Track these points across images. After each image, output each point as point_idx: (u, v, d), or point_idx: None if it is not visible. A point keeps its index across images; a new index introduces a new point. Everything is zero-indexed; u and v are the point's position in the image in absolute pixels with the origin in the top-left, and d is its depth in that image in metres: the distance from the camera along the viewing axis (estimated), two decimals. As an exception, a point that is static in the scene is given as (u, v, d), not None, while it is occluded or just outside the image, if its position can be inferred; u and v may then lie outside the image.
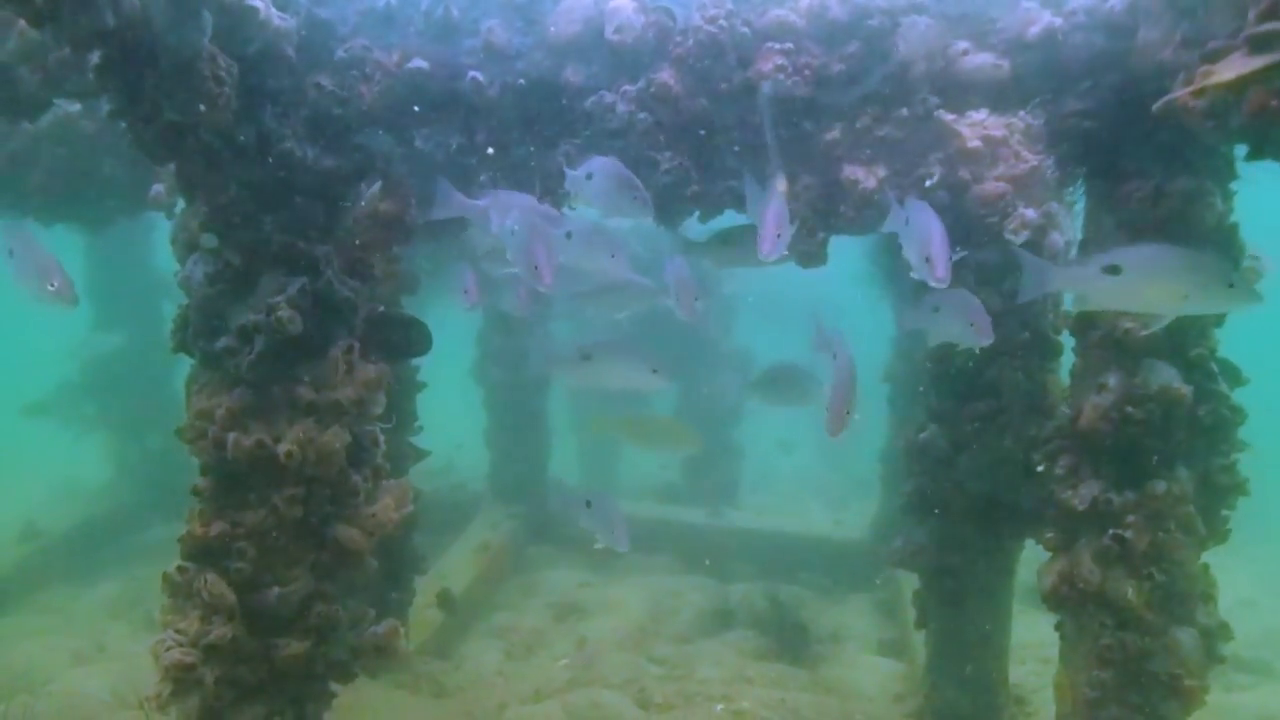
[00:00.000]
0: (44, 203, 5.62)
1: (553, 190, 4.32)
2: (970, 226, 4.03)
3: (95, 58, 3.26)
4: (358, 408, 3.97)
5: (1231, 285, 3.31)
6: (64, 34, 3.11)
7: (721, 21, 3.99)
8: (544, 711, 5.54)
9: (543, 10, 4.17)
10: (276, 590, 3.76)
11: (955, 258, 3.58)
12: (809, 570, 8.40)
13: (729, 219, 4.39)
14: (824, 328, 4.24)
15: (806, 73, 3.98)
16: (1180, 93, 3.19)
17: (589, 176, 3.89)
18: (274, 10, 3.66)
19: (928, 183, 4.00)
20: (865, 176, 4.08)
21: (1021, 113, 4.01)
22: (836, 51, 4.02)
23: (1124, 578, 3.80)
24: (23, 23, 3.78)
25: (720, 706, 5.54)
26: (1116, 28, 3.83)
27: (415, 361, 5.10)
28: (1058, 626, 4.18)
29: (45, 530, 8.70)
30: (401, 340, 4.38)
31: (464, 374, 9.12)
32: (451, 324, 6.11)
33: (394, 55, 4.14)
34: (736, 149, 4.18)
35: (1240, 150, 3.56)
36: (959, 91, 4.05)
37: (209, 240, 3.88)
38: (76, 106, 5.33)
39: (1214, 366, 4.00)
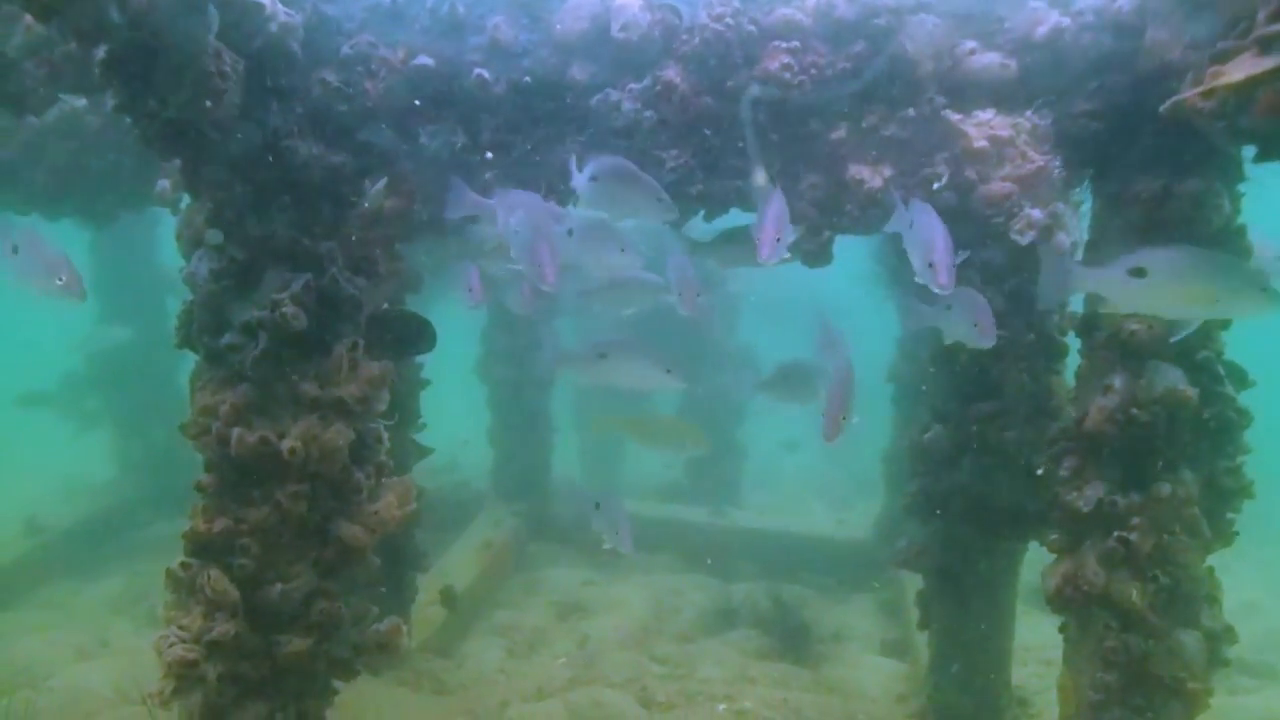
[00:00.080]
0: (49, 198, 5.62)
1: (557, 188, 4.31)
2: (976, 227, 4.02)
3: (101, 53, 3.27)
4: (361, 405, 3.97)
5: (1264, 289, 3.21)
6: (70, 29, 3.11)
7: (728, 19, 3.98)
8: (546, 710, 5.54)
9: (549, 7, 4.16)
10: (279, 587, 3.76)
11: (959, 259, 3.58)
12: (812, 570, 8.40)
13: (734, 218, 4.38)
14: (829, 329, 4.23)
15: (813, 71, 3.97)
16: (1189, 93, 3.18)
17: (595, 179, 3.87)
18: (279, 6, 3.66)
19: (935, 185, 3.99)
20: (871, 176, 4.07)
21: (1028, 113, 4.00)
22: (843, 50, 4.01)
23: (1128, 580, 3.79)
24: (29, 17, 3.79)
25: (723, 706, 5.54)
26: (1124, 28, 3.81)
27: (419, 359, 5.10)
28: (1061, 628, 4.17)
29: (48, 525, 8.71)
30: (405, 337, 4.37)
31: (468, 372, 9.12)
32: (454, 322, 6.10)
33: (399, 52, 4.13)
34: (741, 145, 4.17)
35: (1248, 151, 3.55)
36: (966, 91, 4.04)
37: (214, 236, 3.88)
38: (82, 102, 5.33)
39: (1220, 369, 3.98)
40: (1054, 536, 4.11)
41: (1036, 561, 4.49)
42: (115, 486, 9.74)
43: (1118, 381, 3.89)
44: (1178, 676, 3.74)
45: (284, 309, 3.73)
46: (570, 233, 4.08)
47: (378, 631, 4.08)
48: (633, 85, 4.11)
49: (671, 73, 4.05)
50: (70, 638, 6.72)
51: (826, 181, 4.16)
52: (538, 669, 6.31)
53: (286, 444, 3.71)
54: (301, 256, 3.91)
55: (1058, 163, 3.97)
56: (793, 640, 6.88)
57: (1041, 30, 3.94)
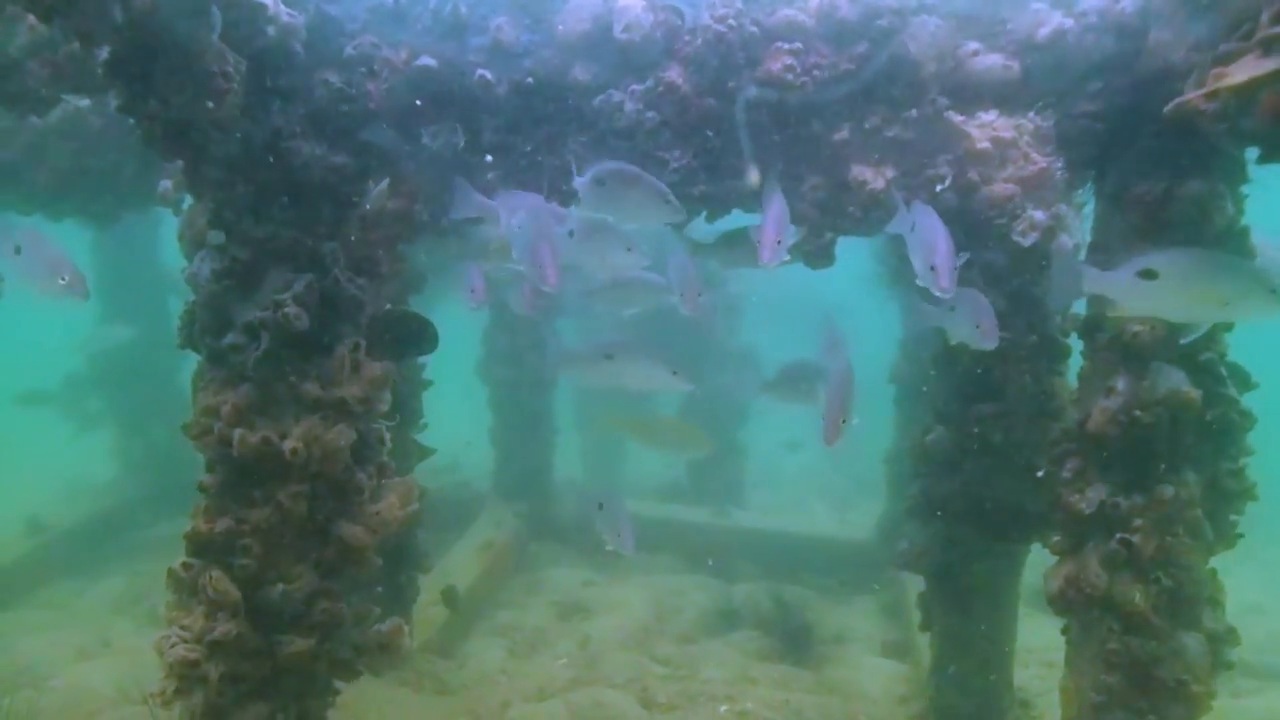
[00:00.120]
0: (52, 198, 5.63)
1: (559, 189, 4.31)
2: (978, 228, 4.01)
3: (104, 53, 3.27)
4: (363, 405, 3.97)
5: (1274, 291, 3.20)
6: (73, 29, 3.11)
7: (730, 21, 3.97)
8: (547, 710, 5.54)
9: (551, 8, 4.16)
10: (281, 587, 3.75)
11: (960, 261, 3.57)
12: (813, 571, 8.39)
13: (737, 219, 4.38)
14: (834, 330, 4.24)
15: (816, 73, 3.97)
16: (1192, 95, 3.18)
17: (602, 183, 3.86)
18: (282, 7, 3.66)
19: (939, 187, 3.99)
20: (873, 177, 4.06)
21: (1031, 114, 4.00)
22: (846, 51, 4.01)
23: (1131, 582, 3.78)
24: (32, 17, 3.79)
25: (724, 707, 5.54)
26: (1127, 29, 3.81)
27: (421, 359, 5.10)
28: (1064, 630, 4.16)
29: (50, 525, 8.71)
30: (407, 338, 4.37)
31: (470, 372, 9.12)
32: (456, 322, 6.10)
33: (402, 53, 4.13)
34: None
35: (1251, 153, 3.55)
36: (968, 92, 4.03)
37: (216, 236, 3.88)
38: (85, 102, 5.34)
39: (1223, 370, 3.98)
40: (1056, 538, 4.10)
41: (1038, 563, 4.48)
42: (117, 486, 9.75)
43: (1120, 383, 3.88)
44: (1180, 679, 3.74)
45: (286, 309, 3.73)
46: (571, 234, 4.08)
47: (379, 632, 4.08)
48: (635, 86, 4.11)
49: (674, 74, 4.04)
50: (72, 637, 6.72)
51: (829, 183, 4.16)
52: (539, 669, 6.31)
53: (288, 444, 3.71)
54: (303, 257, 3.91)
55: (1060, 164, 3.97)
56: (794, 641, 6.88)
57: (1044, 32, 3.93)
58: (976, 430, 4.51)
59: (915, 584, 5.33)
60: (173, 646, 3.63)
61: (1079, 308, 4.20)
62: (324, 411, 3.85)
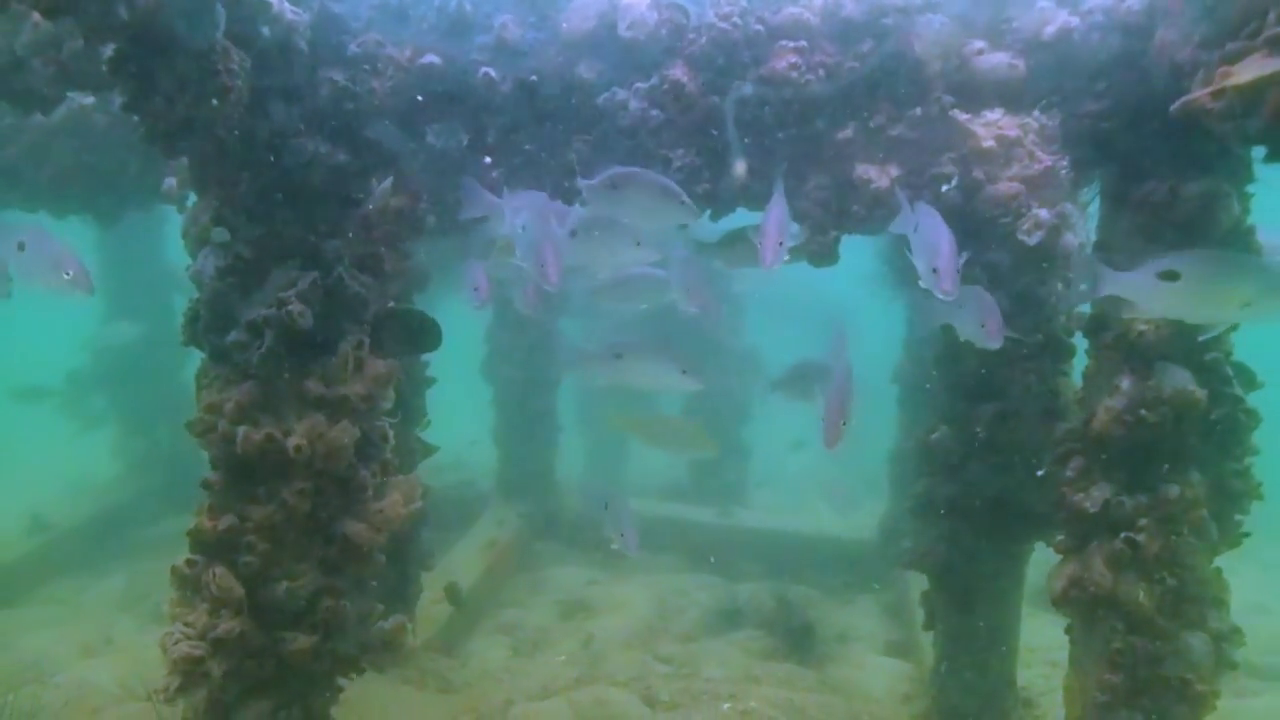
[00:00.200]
0: (56, 196, 5.63)
1: (563, 186, 4.31)
2: (983, 227, 4.00)
3: (109, 50, 3.27)
4: (367, 403, 3.97)
5: None
6: (78, 27, 3.11)
7: (735, 19, 3.97)
8: (550, 709, 5.54)
9: (555, 6, 4.16)
10: (284, 584, 3.75)
11: (961, 259, 3.56)
12: (817, 570, 8.38)
13: (740, 218, 4.38)
14: (840, 331, 4.24)
15: (820, 71, 3.96)
16: (1198, 94, 3.16)
17: (616, 186, 3.86)
18: (286, 4, 3.66)
19: (945, 187, 3.98)
20: (878, 176, 4.06)
21: (1036, 113, 3.99)
22: (851, 50, 4.00)
23: (1135, 581, 3.77)
24: (37, 15, 3.79)
25: (727, 706, 5.53)
26: (1134, 28, 3.80)
27: (425, 357, 5.09)
28: (1067, 630, 4.16)
29: (54, 523, 8.72)
30: (411, 336, 4.37)
31: (474, 370, 9.12)
32: (460, 320, 6.10)
33: (406, 50, 4.13)
34: (746, 142, 4.16)
35: (1258, 152, 3.54)
36: (973, 91, 4.03)
37: (220, 234, 3.88)
38: (89, 99, 5.34)
39: (1228, 370, 3.97)
40: (1060, 537, 4.10)
41: (1042, 562, 4.47)
42: (120, 484, 9.75)
43: (1125, 382, 3.87)
44: (1184, 678, 3.73)
45: (290, 307, 3.73)
46: (574, 234, 4.08)
47: (382, 629, 4.08)
48: (639, 84, 4.11)
49: (679, 72, 4.04)
50: (75, 634, 6.73)
51: (833, 181, 4.16)
52: (542, 668, 6.31)
53: (292, 442, 3.71)
54: (307, 254, 3.92)
55: (1065, 163, 3.96)
56: (797, 640, 6.87)
57: (1050, 30, 3.93)
58: (980, 430, 4.50)
59: (918, 583, 5.32)
60: (176, 643, 3.63)
61: (1083, 306, 4.19)
62: (327, 409, 3.85)
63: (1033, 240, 3.91)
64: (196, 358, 4.06)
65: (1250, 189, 3.87)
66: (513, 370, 8.87)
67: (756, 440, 10.84)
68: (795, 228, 4.02)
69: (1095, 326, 4.09)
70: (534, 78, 4.15)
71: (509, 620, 7.18)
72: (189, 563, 3.77)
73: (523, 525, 8.64)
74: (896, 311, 7.81)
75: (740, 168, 4.08)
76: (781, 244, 3.76)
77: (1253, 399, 4.04)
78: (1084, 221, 4.16)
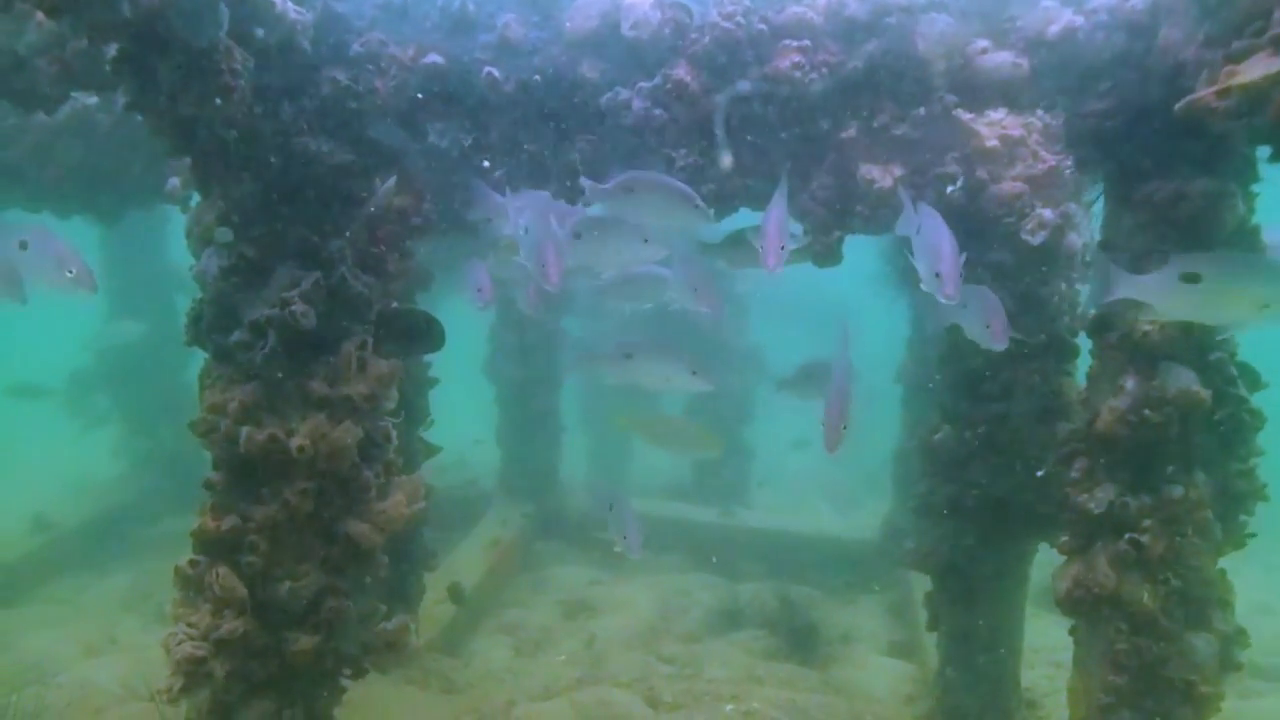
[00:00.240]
0: (59, 195, 5.64)
1: (566, 186, 4.31)
2: (986, 226, 3.99)
3: (112, 50, 3.27)
4: (370, 403, 3.96)
5: None
6: (81, 26, 3.11)
7: (739, 18, 3.97)
8: (553, 709, 5.53)
9: (559, 5, 4.16)
10: (287, 585, 3.75)
11: (961, 260, 3.55)
12: (819, 570, 8.38)
13: (744, 217, 4.37)
14: (845, 332, 4.23)
15: (824, 70, 3.96)
16: (1203, 93, 3.16)
17: (631, 190, 3.85)
18: (290, 4, 3.66)
19: (950, 188, 3.97)
20: (881, 176, 4.05)
21: (1040, 112, 3.98)
22: (855, 49, 3.99)
23: (1140, 582, 3.77)
24: (41, 15, 3.79)
25: (730, 706, 5.52)
26: (1138, 27, 3.80)
27: (427, 357, 5.09)
28: (1072, 630, 4.15)
29: (56, 523, 8.72)
30: (414, 335, 4.37)
31: (476, 370, 9.12)
32: (463, 320, 6.10)
33: (409, 50, 4.13)
34: (751, 141, 4.15)
35: (1263, 151, 3.53)
36: (977, 90, 4.02)
37: (223, 234, 3.88)
38: (93, 99, 5.34)
39: (1233, 370, 3.96)
40: (1064, 538, 4.09)
41: (1046, 563, 4.46)
42: (123, 483, 9.76)
43: (1130, 382, 3.86)
44: (1189, 680, 3.72)
45: (293, 307, 3.73)
46: (578, 235, 4.08)
47: (385, 630, 4.08)
48: (643, 83, 4.10)
49: (682, 71, 4.04)
50: (78, 634, 6.73)
51: (836, 181, 4.15)
52: (545, 668, 6.30)
53: (295, 442, 3.71)
54: (310, 254, 3.91)
55: (1069, 162, 3.95)
56: (800, 641, 6.86)
57: (1054, 29, 3.92)
58: (984, 430, 4.49)
59: (922, 583, 5.31)
60: (179, 643, 3.63)
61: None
62: (331, 409, 3.85)
63: (1036, 240, 3.90)
64: (199, 357, 4.06)
65: (1255, 188, 3.86)
66: (516, 370, 8.87)
67: (758, 440, 10.84)
68: (797, 228, 4.01)
69: (1099, 326, 4.08)
70: (537, 77, 4.15)
71: (512, 620, 7.18)
72: (192, 563, 3.77)
73: (526, 525, 8.64)
74: (900, 311, 7.81)
75: (726, 160, 4.08)
76: (783, 246, 3.75)
77: (1257, 399, 4.03)
78: (1088, 221, 4.15)
